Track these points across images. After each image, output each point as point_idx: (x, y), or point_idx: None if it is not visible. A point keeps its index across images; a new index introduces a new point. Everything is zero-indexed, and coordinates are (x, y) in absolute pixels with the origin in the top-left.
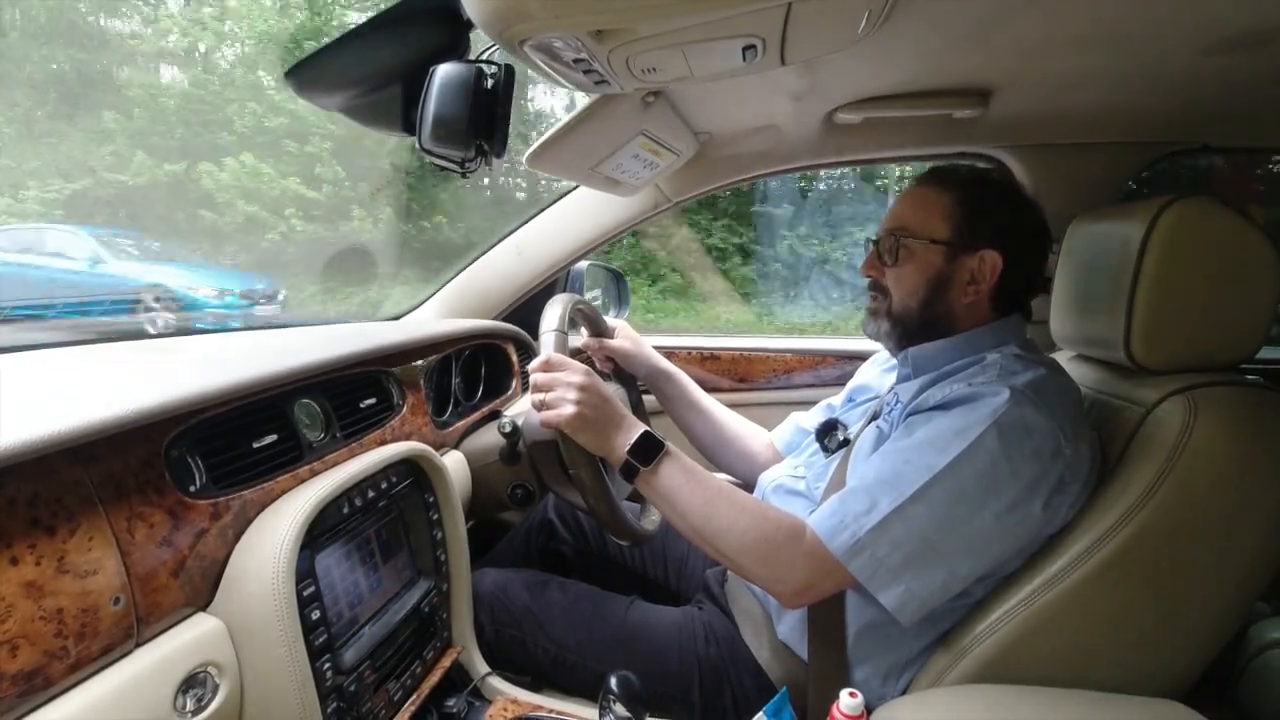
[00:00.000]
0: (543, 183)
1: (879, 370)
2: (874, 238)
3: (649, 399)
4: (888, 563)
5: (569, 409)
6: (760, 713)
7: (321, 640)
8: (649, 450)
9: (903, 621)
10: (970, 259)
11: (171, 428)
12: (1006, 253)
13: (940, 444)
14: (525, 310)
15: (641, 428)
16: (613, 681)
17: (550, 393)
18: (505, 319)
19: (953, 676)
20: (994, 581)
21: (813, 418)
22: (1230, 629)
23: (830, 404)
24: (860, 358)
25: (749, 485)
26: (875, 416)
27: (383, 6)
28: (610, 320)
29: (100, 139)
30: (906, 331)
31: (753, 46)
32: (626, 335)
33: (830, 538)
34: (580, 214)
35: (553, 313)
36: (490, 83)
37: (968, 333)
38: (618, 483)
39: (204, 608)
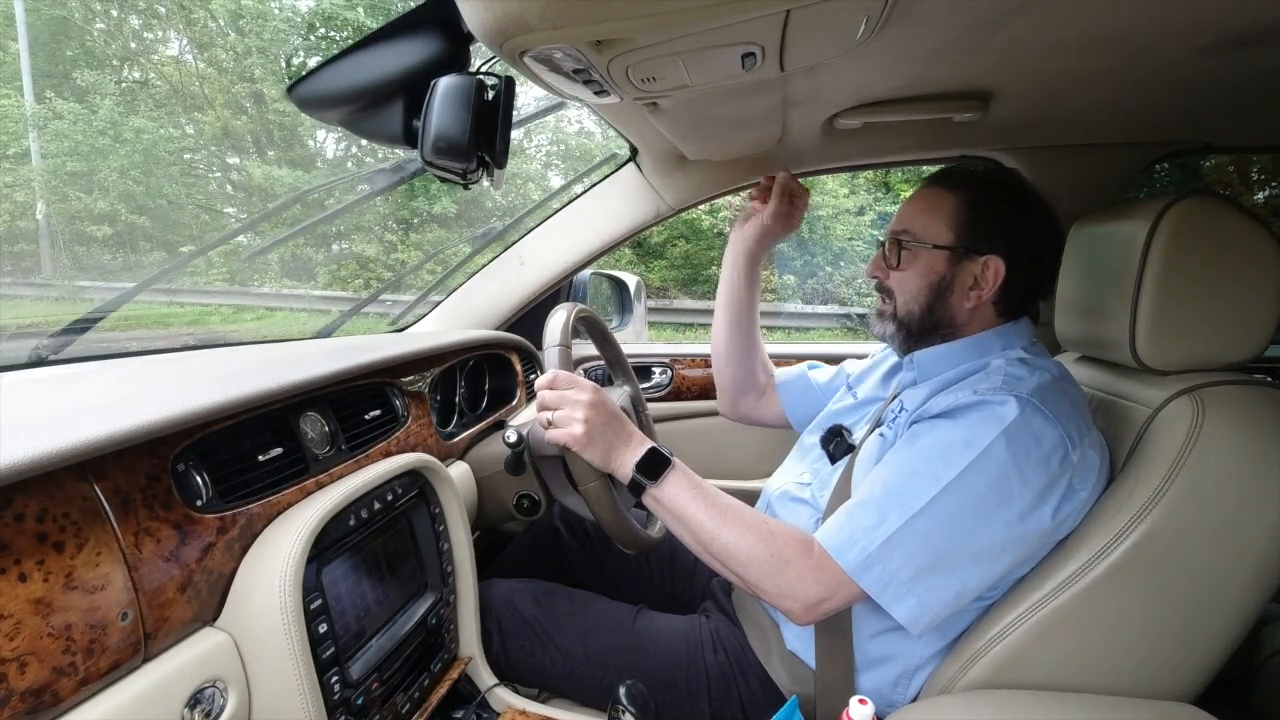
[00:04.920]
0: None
1: (884, 373)
2: (882, 238)
3: (656, 407)
4: (899, 576)
5: (577, 428)
6: None
7: (329, 653)
8: (656, 466)
9: (914, 632)
10: (973, 264)
11: (178, 442)
12: (1011, 258)
13: (948, 455)
14: (529, 320)
15: (649, 444)
16: (621, 691)
17: (558, 411)
18: (509, 329)
19: (964, 682)
20: (1005, 586)
21: (829, 383)
22: (1242, 631)
23: (847, 373)
24: None
25: (730, 404)
26: (879, 423)
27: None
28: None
29: None
30: (911, 334)
31: (752, 54)
32: (790, 224)
33: (840, 553)
34: (582, 224)
35: (555, 326)
36: (491, 95)
37: (974, 336)
38: (624, 493)
39: (211, 622)
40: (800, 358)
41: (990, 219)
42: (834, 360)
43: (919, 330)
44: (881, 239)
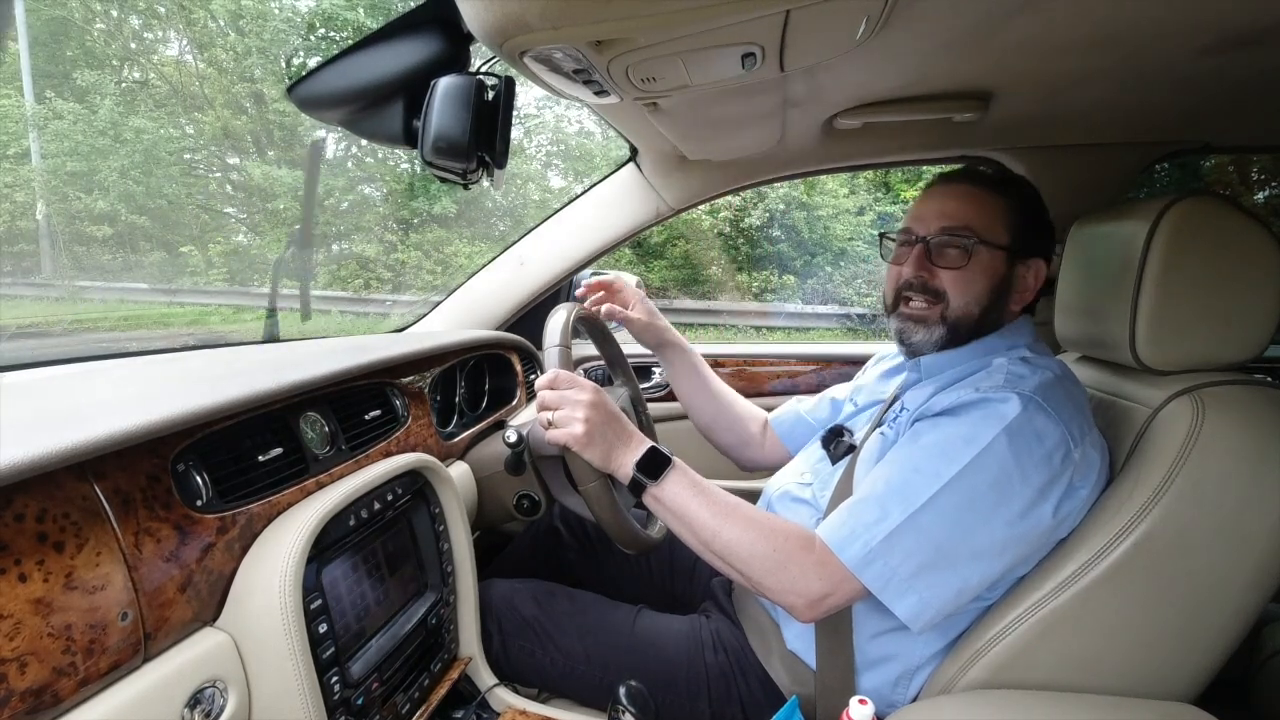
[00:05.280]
0: None
1: (882, 374)
2: (923, 234)
3: (656, 407)
4: (900, 572)
5: (578, 428)
6: None
7: (329, 653)
8: (656, 465)
9: (915, 629)
10: (1024, 267)
11: (178, 442)
12: (1049, 261)
13: (950, 452)
14: (529, 320)
15: (648, 443)
16: (621, 691)
17: (558, 411)
18: (509, 329)
19: (964, 682)
20: (1005, 585)
21: (815, 409)
22: (1242, 631)
23: (835, 398)
24: (864, 362)
25: (738, 462)
26: (880, 423)
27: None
28: (630, 288)
29: None
30: (958, 337)
31: (752, 54)
32: (643, 308)
33: (841, 549)
34: (582, 225)
35: (555, 326)
36: (491, 95)
37: (981, 338)
38: (624, 493)
39: (211, 622)
40: (800, 358)
41: (1035, 222)
42: (833, 360)
43: (967, 333)
44: (923, 236)
